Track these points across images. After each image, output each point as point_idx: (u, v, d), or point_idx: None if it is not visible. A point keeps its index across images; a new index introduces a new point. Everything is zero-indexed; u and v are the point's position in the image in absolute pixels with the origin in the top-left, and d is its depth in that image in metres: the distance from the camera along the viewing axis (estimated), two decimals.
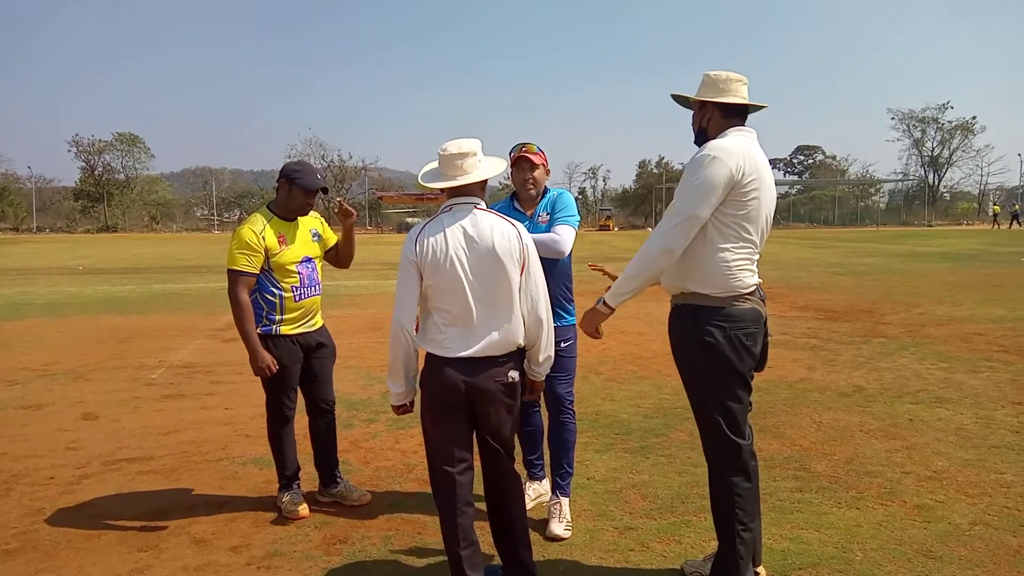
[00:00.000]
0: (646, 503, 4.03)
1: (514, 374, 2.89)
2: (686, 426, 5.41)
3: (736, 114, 2.95)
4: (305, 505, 4.00)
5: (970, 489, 4.11)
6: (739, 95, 2.93)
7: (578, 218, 3.84)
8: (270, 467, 4.67)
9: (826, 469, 4.48)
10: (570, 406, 3.85)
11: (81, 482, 4.48)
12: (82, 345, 9.07)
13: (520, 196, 3.85)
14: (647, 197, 77.77)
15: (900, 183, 79.86)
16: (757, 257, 2.95)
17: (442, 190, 2.91)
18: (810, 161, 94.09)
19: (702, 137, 3.02)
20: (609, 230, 61.10)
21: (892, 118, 79.77)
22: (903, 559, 3.31)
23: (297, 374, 4.03)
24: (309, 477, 4.37)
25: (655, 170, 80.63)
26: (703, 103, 2.96)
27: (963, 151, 77.26)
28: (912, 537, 3.53)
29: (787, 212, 73.76)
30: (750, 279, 2.88)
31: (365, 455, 4.89)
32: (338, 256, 4.26)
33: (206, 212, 77.77)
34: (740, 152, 2.79)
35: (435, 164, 2.97)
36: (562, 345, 3.66)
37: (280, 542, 3.64)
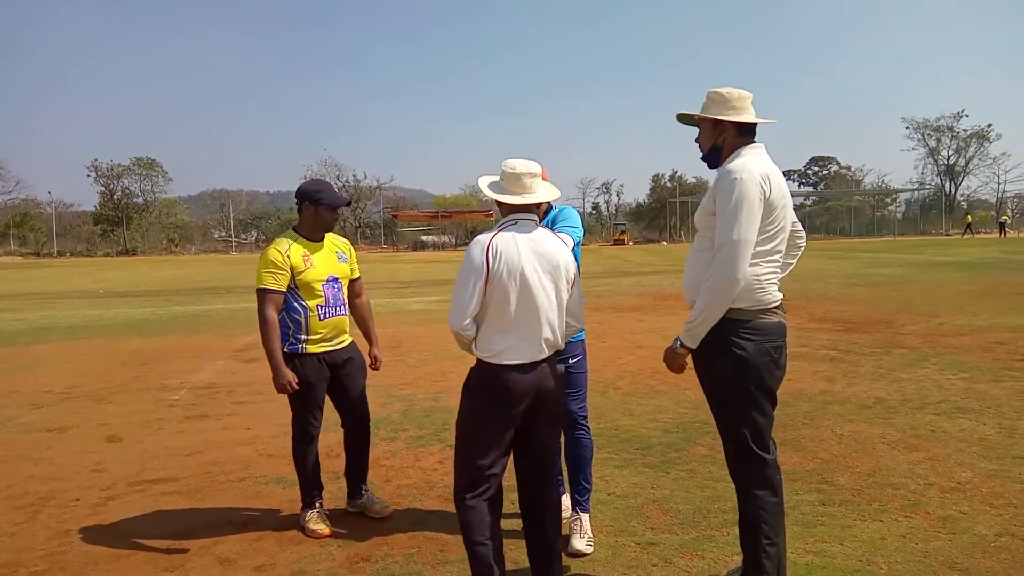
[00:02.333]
0: (668, 518, 4.02)
1: (560, 366, 3.14)
2: (706, 440, 5.40)
3: (748, 131, 2.99)
4: (326, 524, 4.04)
5: (995, 500, 4.07)
6: (751, 112, 2.97)
7: (582, 231, 3.86)
8: (293, 486, 4.71)
9: (849, 482, 4.46)
10: (584, 422, 3.87)
11: (107, 503, 4.54)
12: (104, 368, 9.18)
13: None
14: (661, 211, 77.72)
15: (916, 192, 79.33)
16: (779, 271, 2.98)
17: (502, 204, 3.10)
18: (825, 172, 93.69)
19: (714, 155, 3.05)
20: (623, 244, 61.08)
21: (907, 127, 79.26)
22: (928, 572, 3.29)
23: (323, 392, 4.10)
24: (331, 496, 4.40)
25: (668, 184, 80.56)
26: (717, 121, 2.99)
27: (979, 159, 76.68)
28: (937, 549, 3.51)
29: (803, 223, 70.92)
30: (776, 293, 2.91)
31: (386, 473, 4.92)
32: (352, 313, 4.34)
33: (224, 234, 78.53)
34: (763, 170, 2.84)
35: (494, 178, 3.14)
36: (571, 361, 3.68)
37: (304, 561, 3.67)
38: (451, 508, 4.27)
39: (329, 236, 4.18)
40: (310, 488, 4.13)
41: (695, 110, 3.06)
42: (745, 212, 2.77)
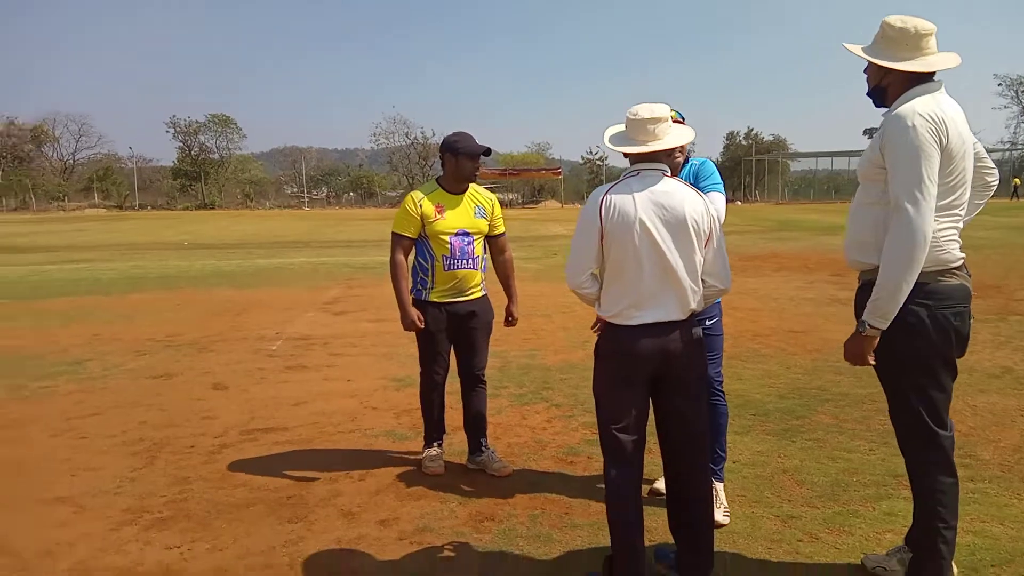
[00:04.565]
0: (803, 490, 3.79)
1: (698, 330, 2.83)
2: (828, 408, 5.12)
3: (921, 72, 2.63)
4: (442, 463, 4.20)
5: None
6: (929, 52, 2.61)
7: (722, 185, 3.63)
8: (403, 439, 4.69)
9: (994, 456, 4.14)
10: (720, 387, 3.65)
11: (221, 451, 4.56)
12: (200, 317, 9.35)
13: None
14: (735, 169, 75.38)
15: (1007, 152, 74.88)
16: (961, 227, 2.66)
17: (628, 155, 2.80)
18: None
19: (880, 95, 2.73)
20: None
21: (999, 84, 74.44)
22: None
23: (445, 341, 4.13)
24: (451, 450, 4.34)
25: (744, 142, 78.14)
26: (884, 67, 2.65)
27: None
28: None
29: None
30: (957, 251, 2.60)
31: (494, 430, 4.79)
32: (495, 268, 4.33)
33: (295, 190, 79.82)
34: (938, 114, 2.50)
35: (620, 127, 2.85)
36: (708, 323, 3.45)
37: (427, 517, 3.59)
38: (568, 469, 4.18)
39: (473, 188, 4.14)
40: (431, 431, 4.27)
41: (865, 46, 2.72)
42: (921, 163, 2.45)
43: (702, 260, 2.77)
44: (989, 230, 22.24)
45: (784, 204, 56.24)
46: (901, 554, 2.90)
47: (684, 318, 2.77)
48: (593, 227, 2.71)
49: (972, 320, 2.69)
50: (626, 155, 2.82)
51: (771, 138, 75.05)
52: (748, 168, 71.41)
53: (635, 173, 2.77)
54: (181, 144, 71.91)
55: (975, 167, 2.73)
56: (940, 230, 2.54)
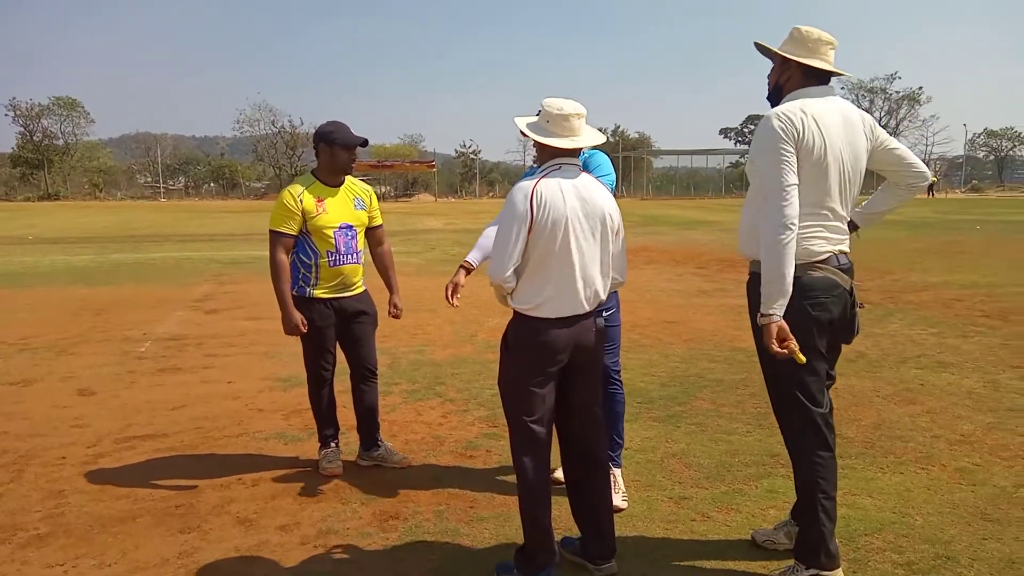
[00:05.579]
0: (692, 472, 4.01)
1: (600, 320, 2.97)
2: (706, 394, 5.42)
3: (818, 77, 2.87)
4: (340, 463, 4.11)
5: (1002, 452, 4.19)
6: (826, 59, 2.85)
7: (613, 176, 3.73)
8: (295, 441, 4.57)
9: (858, 435, 4.52)
10: (617, 376, 3.80)
11: (96, 461, 4.27)
12: (57, 317, 8.67)
13: None
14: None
15: None
16: (837, 224, 2.88)
17: (544, 148, 2.86)
18: None
19: (776, 94, 2.94)
20: None
21: (842, 87, 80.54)
22: (962, 523, 3.35)
23: (332, 337, 4.02)
24: (348, 450, 4.27)
25: (611, 139, 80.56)
26: (786, 59, 2.87)
27: (910, 121, 79.02)
28: (963, 500, 3.58)
29: (739, 182, 74.66)
30: (822, 246, 2.80)
31: (390, 427, 4.76)
32: (374, 261, 4.25)
33: (150, 179, 75.12)
34: (801, 115, 2.71)
35: (532, 119, 2.91)
36: (605, 314, 3.57)
37: (329, 519, 3.52)
38: (468, 463, 4.21)
39: (349, 181, 4.02)
40: (324, 428, 4.19)
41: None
42: (776, 159, 2.67)
43: (612, 252, 2.89)
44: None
45: (648, 199, 58.51)
46: (788, 527, 3.13)
47: (593, 310, 2.88)
48: (524, 220, 2.72)
49: (859, 307, 2.94)
50: (542, 149, 2.86)
51: (636, 135, 77.71)
52: (615, 164, 73.49)
53: (557, 167, 2.82)
54: (22, 129, 65.97)
55: (895, 169, 2.99)
56: (805, 226, 2.74)
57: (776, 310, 2.69)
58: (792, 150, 2.68)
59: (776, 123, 2.70)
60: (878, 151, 2.96)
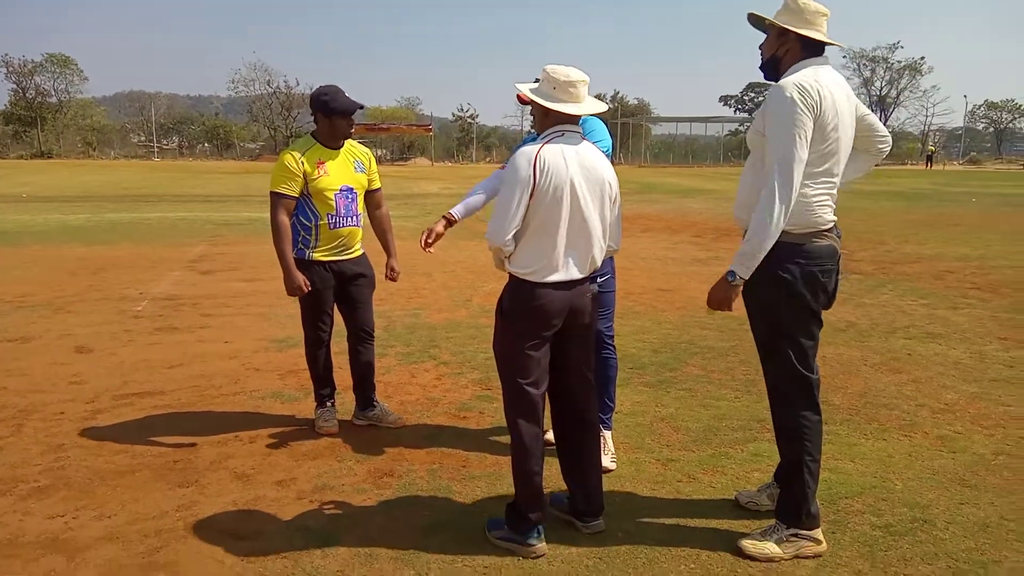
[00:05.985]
0: (680, 435, 4.10)
1: (593, 286, 3.04)
2: (696, 360, 5.50)
3: (814, 49, 2.89)
4: (336, 422, 4.18)
5: (984, 421, 4.29)
6: (821, 30, 2.86)
7: (609, 142, 3.77)
8: (292, 401, 4.64)
9: (843, 402, 4.61)
10: (611, 341, 3.88)
11: (95, 417, 4.34)
12: (53, 276, 8.69)
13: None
14: None
15: None
16: (835, 193, 2.93)
17: (547, 114, 2.89)
18: (761, 99, 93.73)
19: (772, 66, 2.96)
20: None
21: (844, 56, 79.93)
22: (940, 488, 3.45)
23: (330, 299, 4.06)
24: (344, 410, 4.34)
25: (610, 104, 79.91)
26: (783, 31, 2.88)
27: (910, 91, 78.46)
28: (943, 467, 3.68)
29: (737, 150, 74.44)
30: (829, 215, 2.87)
31: (385, 389, 4.83)
32: (372, 224, 4.28)
33: (143, 139, 74.39)
34: (818, 86, 2.74)
35: (534, 85, 2.93)
36: (599, 280, 3.62)
37: (325, 476, 3.60)
38: (462, 424, 4.29)
39: (349, 144, 4.03)
40: (321, 388, 4.24)
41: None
42: (793, 131, 2.70)
43: (609, 220, 2.94)
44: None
45: (646, 167, 58.29)
46: (771, 490, 3.22)
47: (589, 275, 2.94)
48: (526, 185, 2.75)
49: (842, 276, 3.02)
50: (545, 114, 2.88)
51: (635, 102, 77.12)
52: (613, 131, 73.11)
53: (560, 133, 2.86)
54: (14, 86, 65.02)
55: (865, 135, 3.03)
56: (813, 195, 2.80)
57: (748, 275, 2.81)
58: (810, 123, 2.71)
59: (796, 94, 2.69)
60: (857, 119, 3.00)
